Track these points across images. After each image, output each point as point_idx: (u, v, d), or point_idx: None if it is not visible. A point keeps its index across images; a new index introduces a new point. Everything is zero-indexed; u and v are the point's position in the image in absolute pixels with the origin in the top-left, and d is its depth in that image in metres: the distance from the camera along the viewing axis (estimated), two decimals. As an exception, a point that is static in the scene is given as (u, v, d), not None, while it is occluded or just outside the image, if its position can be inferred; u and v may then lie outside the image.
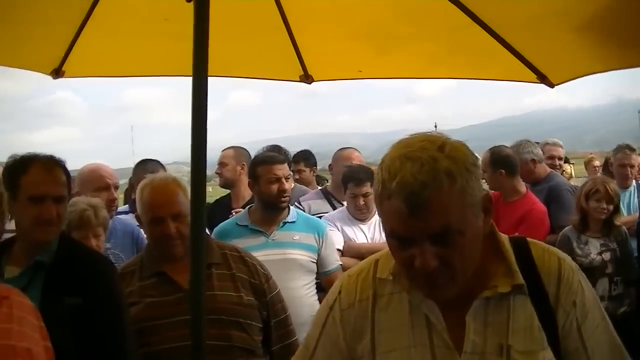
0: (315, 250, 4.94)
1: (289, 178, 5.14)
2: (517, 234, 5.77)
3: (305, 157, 8.26)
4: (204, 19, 2.99)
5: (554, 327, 2.07)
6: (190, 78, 3.00)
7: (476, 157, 2.01)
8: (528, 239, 2.24)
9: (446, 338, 2.05)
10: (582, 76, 3.99)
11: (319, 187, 7.21)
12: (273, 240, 4.92)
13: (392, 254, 2.06)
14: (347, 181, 5.87)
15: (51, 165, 3.33)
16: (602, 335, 2.16)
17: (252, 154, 6.49)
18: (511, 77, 4.25)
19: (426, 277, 1.93)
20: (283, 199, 4.99)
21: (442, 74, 4.60)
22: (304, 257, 4.89)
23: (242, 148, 6.90)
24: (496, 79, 4.44)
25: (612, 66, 3.84)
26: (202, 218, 3.05)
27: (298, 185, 7.24)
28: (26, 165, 3.28)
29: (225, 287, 3.65)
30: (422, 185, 1.83)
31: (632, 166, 7.76)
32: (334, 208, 6.21)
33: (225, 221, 5.24)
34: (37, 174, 3.27)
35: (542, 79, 4.05)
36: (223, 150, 6.80)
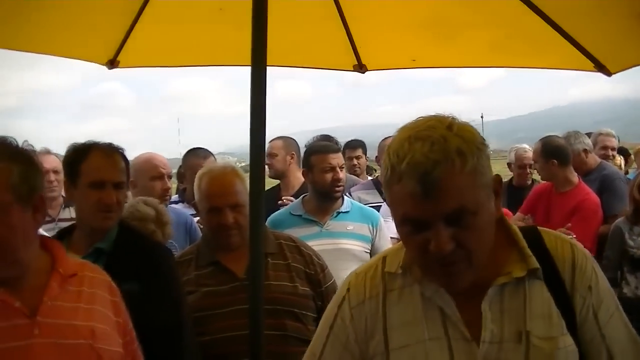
0: (369, 241, 4.91)
1: (342, 167, 5.12)
2: (569, 224, 5.81)
3: (361, 145, 8.29)
4: (263, 8, 3.00)
5: (572, 313, 2.04)
6: (240, 68, 3.01)
7: (483, 137, 1.96)
8: (538, 227, 2.21)
9: (463, 329, 2.00)
10: (641, 64, 3.92)
11: (369, 178, 7.18)
12: (327, 230, 4.91)
13: (404, 242, 2.00)
14: None
15: (110, 151, 3.38)
16: (618, 324, 2.13)
17: (300, 145, 6.50)
18: (568, 65, 4.19)
19: (443, 263, 1.89)
20: (337, 188, 4.99)
21: (498, 63, 4.54)
22: (358, 247, 4.86)
23: (291, 138, 6.89)
24: (553, 67, 4.40)
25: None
26: (261, 208, 3.07)
27: (349, 175, 7.25)
28: (86, 152, 3.33)
29: (280, 277, 3.67)
30: (434, 164, 1.79)
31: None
32: (385, 199, 6.12)
33: (279, 211, 5.24)
34: (97, 160, 3.32)
35: (600, 67, 3.96)
36: (271, 141, 6.75)
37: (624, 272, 6.00)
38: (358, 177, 7.52)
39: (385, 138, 7.00)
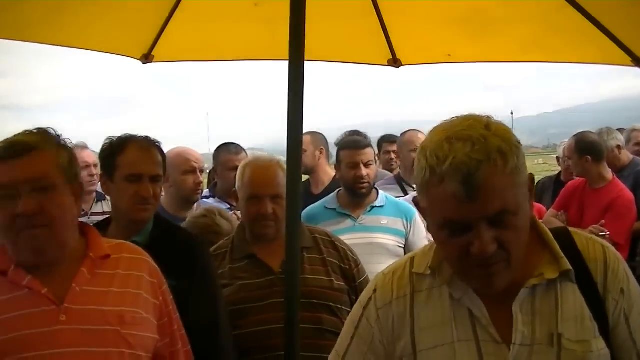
0: (403, 235, 4.89)
1: (370, 164, 5.08)
2: (603, 221, 5.77)
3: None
4: (302, 3, 3.00)
5: (604, 316, 2.01)
6: (270, 62, 3.01)
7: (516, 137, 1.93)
8: (570, 228, 2.18)
9: (492, 332, 1.97)
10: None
11: (393, 174, 7.14)
12: (360, 224, 4.91)
13: (442, 245, 1.96)
14: None
15: (147, 145, 3.40)
16: None
17: (331, 141, 6.48)
18: (606, 60, 4.16)
19: (484, 264, 1.87)
20: (359, 184, 4.97)
21: (534, 58, 4.51)
22: (391, 241, 4.85)
23: (319, 133, 6.87)
24: (590, 62, 4.35)
25: None
26: (298, 202, 3.08)
27: (381, 171, 7.22)
28: (123, 146, 3.36)
29: (316, 271, 3.66)
30: (478, 165, 1.76)
31: None
32: (406, 194, 6.11)
33: (314, 204, 5.23)
34: (134, 153, 3.35)
35: (637, 62, 3.93)
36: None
37: (659, 268, 5.93)
38: (393, 171, 7.47)
39: (404, 132, 6.97)
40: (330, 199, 5.15)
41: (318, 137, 6.68)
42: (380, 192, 5.18)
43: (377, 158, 6.75)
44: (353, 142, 5.34)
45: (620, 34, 3.79)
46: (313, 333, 3.44)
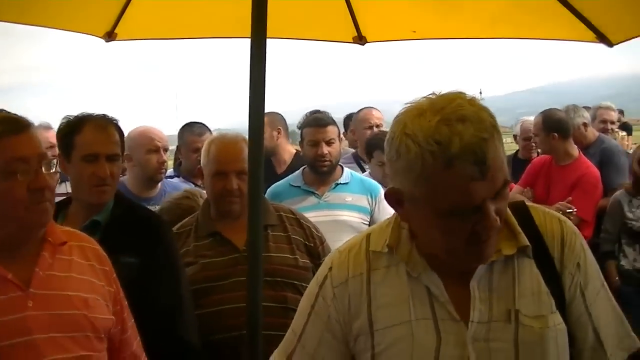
0: (368, 212, 4.88)
1: (332, 142, 5.05)
2: (570, 198, 5.80)
3: None
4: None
5: (561, 291, 2.02)
6: (236, 40, 2.98)
7: None
8: (527, 202, 2.18)
9: (450, 310, 1.96)
10: (641, 35, 3.87)
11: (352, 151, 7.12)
12: (325, 201, 4.90)
13: (448, 234, 1.87)
14: (373, 149, 5.75)
15: (104, 123, 3.33)
16: (604, 302, 2.12)
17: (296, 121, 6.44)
18: (570, 36, 4.13)
19: (485, 239, 1.85)
20: (320, 162, 4.96)
21: (499, 34, 4.48)
22: (356, 218, 4.83)
23: (276, 113, 6.80)
24: (555, 38, 4.33)
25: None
26: (260, 178, 3.05)
27: (347, 149, 7.19)
28: (80, 125, 3.29)
29: (281, 249, 3.66)
30: (485, 143, 1.73)
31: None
32: (363, 171, 6.11)
33: (278, 182, 5.22)
34: (91, 132, 3.27)
35: (601, 38, 3.91)
36: None
37: (622, 245, 6.04)
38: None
39: (360, 110, 7.00)
40: (295, 177, 5.14)
41: (275, 118, 6.60)
42: (346, 169, 5.17)
43: (344, 136, 6.72)
44: (315, 119, 5.30)
45: (584, 9, 3.77)
46: (278, 311, 3.42)
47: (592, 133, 7.09)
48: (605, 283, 2.16)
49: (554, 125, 6.35)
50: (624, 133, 11.38)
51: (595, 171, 6.24)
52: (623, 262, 5.99)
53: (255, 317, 3.02)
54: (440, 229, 1.87)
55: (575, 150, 6.38)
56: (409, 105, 1.86)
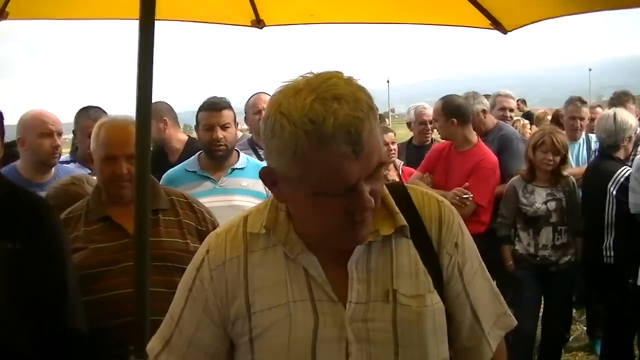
0: (263, 197, 4.77)
1: (227, 126, 5.02)
2: (467, 184, 5.90)
3: None
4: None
5: (439, 270, 2.05)
6: (130, 21, 2.90)
7: None
8: (406, 183, 2.21)
9: (328, 291, 1.95)
10: (537, 21, 3.91)
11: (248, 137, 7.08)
12: (221, 186, 4.87)
13: (319, 213, 1.85)
14: None
15: None
16: (482, 282, 2.17)
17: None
18: (465, 22, 4.16)
19: (360, 219, 1.84)
20: (215, 147, 4.93)
21: (397, 19, 4.46)
22: (252, 203, 4.71)
23: (161, 102, 6.66)
24: (450, 24, 4.36)
25: (569, 11, 3.72)
26: (147, 161, 2.99)
27: (247, 134, 7.15)
28: None
29: (172, 233, 3.60)
30: (359, 123, 1.71)
31: (582, 119, 7.83)
32: (260, 158, 5.98)
33: (174, 167, 5.17)
34: None
35: (496, 24, 3.95)
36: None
37: (517, 230, 6.17)
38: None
39: (252, 96, 6.97)
40: (191, 162, 5.09)
41: (159, 107, 6.46)
42: (242, 154, 5.14)
43: (246, 123, 6.67)
44: (210, 104, 5.22)
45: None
46: (168, 296, 3.33)
47: (491, 120, 7.22)
48: (482, 263, 2.20)
49: (453, 111, 6.43)
50: (527, 122, 11.65)
51: (493, 158, 6.34)
52: (518, 247, 6.13)
53: (143, 302, 2.97)
54: (315, 209, 1.85)
55: (474, 136, 6.46)
56: (285, 84, 1.84)
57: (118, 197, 3.58)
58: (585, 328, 7.89)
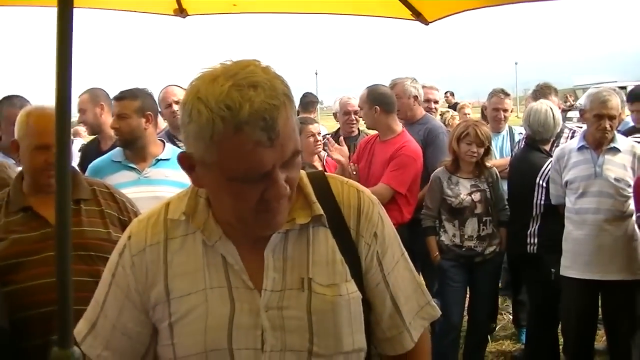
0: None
1: (124, 116, 4.98)
2: (356, 165, 5.95)
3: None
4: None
5: (357, 260, 2.09)
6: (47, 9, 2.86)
7: None
8: (326, 173, 2.23)
9: (245, 278, 1.99)
10: (457, 13, 3.96)
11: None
12: (145, 177, 4.85)
13: (236, 199, 1.87)
14: None
15: None
16: (403, 272, 2.21)
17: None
18: (386, 13, 4.20)
19: (275, 206, 1.88)
20: (122, 138, 4.97)
21: (318, 9, 4.48)
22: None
23: (98, 89, 6.69)
24: (371, 15, 4.39)
25: (488, 2, 3.82)
26: (67, 150, 2.95)
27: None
28: None
29: (94, 223, 3.59)
30: (275, 110, 1.74)
31: (505, 110, 7.96)
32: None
33: (101, 157, 5.15)
34: None
35: (417, 15, 3.99)
36: (79, 97, 6.57)
37: (443, 221, 6.24)
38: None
39: (163, 88, 6.94)
40: (117, 152, 5.06)
41: (96, 93, 6.50)
42: (168, 145, 5.12)
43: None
44: (121, 92, 5.18)
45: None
46: (91, 285, 3.30)
47: (420, 110, 7.28)
48: (405, 253, 2.24)
49: (376, 99, 6.45)
50: (456, 113, 11.79)
51: (416, 147, 6.37)
52: (443, 238, 6.20)
53: (65, 291, 2.94)
54: (231, 195, 1.87)
55: (398, 126, 6.50)
56: (204, 70, 1.85)
57: (47, 187, 3.52)
58: (511, 317, 8.03)
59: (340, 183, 2.17)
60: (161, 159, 4.93)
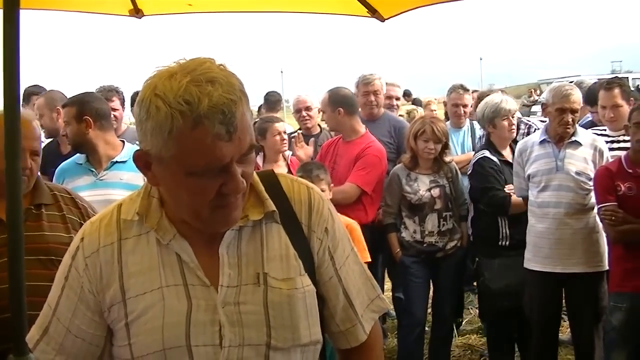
0: None
1: (66, 122, 5.00)
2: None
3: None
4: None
5: (309, 254, 2.13)
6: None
7: None
8: (275, 171, 2.26)
9: (200, 275, 2.01)
10: (411, 9, 3.97)
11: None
12: (101, 180, 4.82)
13: (193, 194, 1.89)
14: None
15: None
16: (354, 266, 2.26)
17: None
18: (342, 10, 4.19)
19: (229, 202, 1.90)
20: (70, 144, 4.98)
21: (273, 7, 4.50)
22: None
23: (54, 91, 6.68)
24: (328, 12, 4.38)
25: (440, -1, 3.83)
26: (18, 154, 2.92)
27: (131, 126, 7.09)
28: None
29: (55, 227, 3.58)
30: (232, 105, 1.76)
31: (465, 105, 8.01)
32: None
33: (68, 160, 5.15)
34: None
35: (373, 12, 4.01)
36: (36, 101, 6.59)
37: (403, 218, 6.25)
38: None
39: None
40: (81, 155, 5.03)
41: (52, 97, 6.47)
42: (127, 144, 5.06)
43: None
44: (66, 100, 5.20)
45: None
46: None
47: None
48: (355, 248, 2.29)
49: (340, 101, 6.49)
50: (420, 108, 11.85)
51: (380, 147, 6.42)
52: (404, 234, 6.21)
53: (19, 298, 2.90)
54: (188, 190, 1.88)
55: (361, 127, 6.54)
56: (159, 68, 1.87)
57: None
58: (477, 311, 8.05)
59: (290, 180, 2.21)
60: (117, 162, 4.90)
